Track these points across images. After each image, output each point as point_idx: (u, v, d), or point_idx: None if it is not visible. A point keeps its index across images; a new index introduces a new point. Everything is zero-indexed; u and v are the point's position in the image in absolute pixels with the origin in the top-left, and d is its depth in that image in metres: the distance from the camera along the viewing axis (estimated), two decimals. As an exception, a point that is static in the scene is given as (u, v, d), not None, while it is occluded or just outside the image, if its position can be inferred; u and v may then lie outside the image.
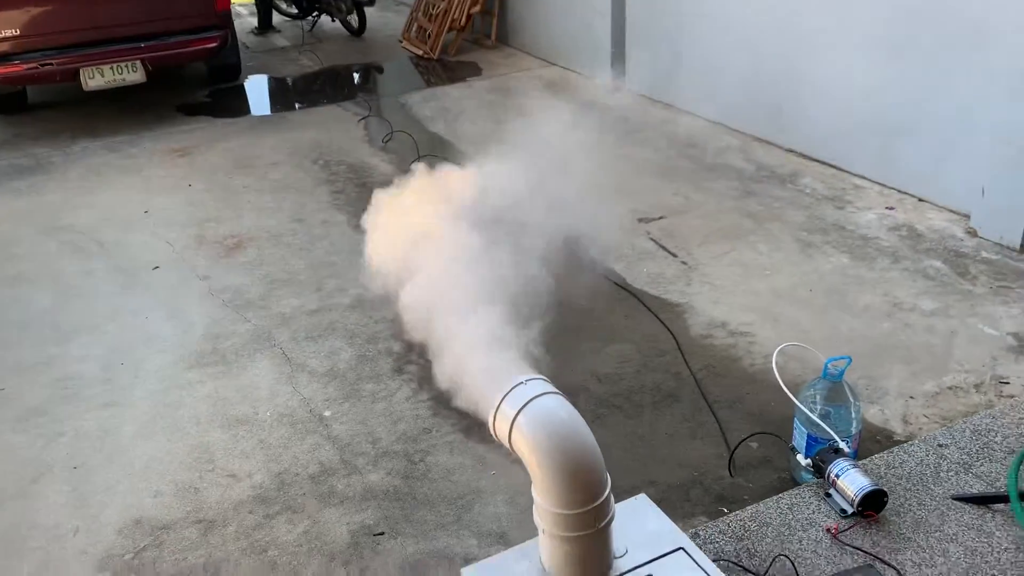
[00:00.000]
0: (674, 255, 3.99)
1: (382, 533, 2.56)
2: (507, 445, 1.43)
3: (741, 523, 2.12)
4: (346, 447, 2.93)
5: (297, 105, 6.95)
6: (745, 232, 4.14)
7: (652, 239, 4.15)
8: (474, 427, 2.96)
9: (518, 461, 2.81)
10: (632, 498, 1.58)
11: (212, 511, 2.68)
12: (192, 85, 7.30)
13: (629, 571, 1.41)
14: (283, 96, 7.30)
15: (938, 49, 3.97)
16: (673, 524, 1.51)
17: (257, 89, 7.33)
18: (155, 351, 3.53)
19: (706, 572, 1.41)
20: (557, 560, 1.40)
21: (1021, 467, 2.14)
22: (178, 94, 7.07)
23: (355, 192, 4.89)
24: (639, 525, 1.51)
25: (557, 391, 1.42)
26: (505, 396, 1.41)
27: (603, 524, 1.38)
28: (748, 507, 2.21)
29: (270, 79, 7.59)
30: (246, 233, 4.52)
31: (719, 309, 3.54)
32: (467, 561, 2.42)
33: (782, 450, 2.68)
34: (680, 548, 1.46)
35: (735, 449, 2.68)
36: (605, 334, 3.44)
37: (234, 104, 6.92)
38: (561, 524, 1.36)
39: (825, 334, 3.29)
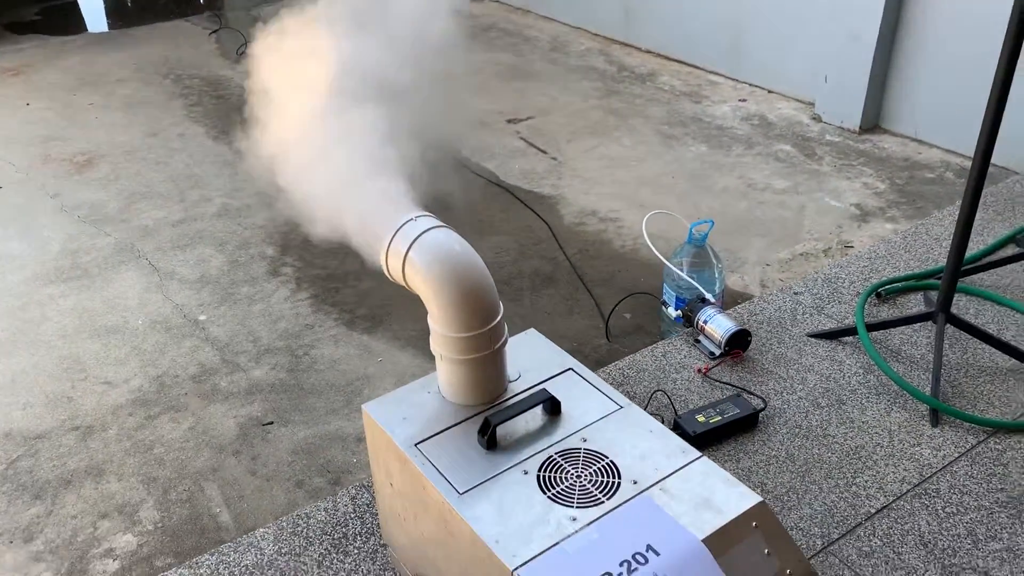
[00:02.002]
0: (544, 152, 4.07)
1: (271, 423, 2.55)
2: (401, 281, 1.46)
3: (620, 371, 2.25)
4: (226, 347, 2.88)
5: (140, 21, 6.50)
6: (610, 128, 4.26)
7: (522, 138, 4.20)
8: (357, 320, 2.98)
9: (404, 346, 2.86)
10: (522, 332, 1.65)
11: (89, 417, 2.59)
12: (17, 2, 6.72)
13: (523, 391, 1.49)
14: (123, 12, 6.82)
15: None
16: (561, 350, 1.59)
17: (92, 5, 6.81)
18: (9, 270, 3.32)
19: (594, 386, 1.50)
20: (457, 384, 1.46)
21: (866, 304, 2.36)
22: (2, 12, 6.49)
23: (212, 104, 4.69)
24: (530, 353, 1.59)
25: (446, 225, 1.46)
26: (395, 233, 1.43)
27: (498, 346, 1.44)
28: (626, 357, 2.34)
29: (107, -5, 7.07)
30: (96, 150, 4.27)
31: (589, 199, 3.66)
32: (359, 440, 2.46)
33: (653, 318, 2.84)
34: (570, 369, 1.55)
35: (611, 313, 2.81)
36: (482, 227, 3.49)
37: (68, 21, 6.42)
38: (458, 348, 1.41)
39: (688, 214, 3.46)
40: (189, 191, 3.86)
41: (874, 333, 2.28)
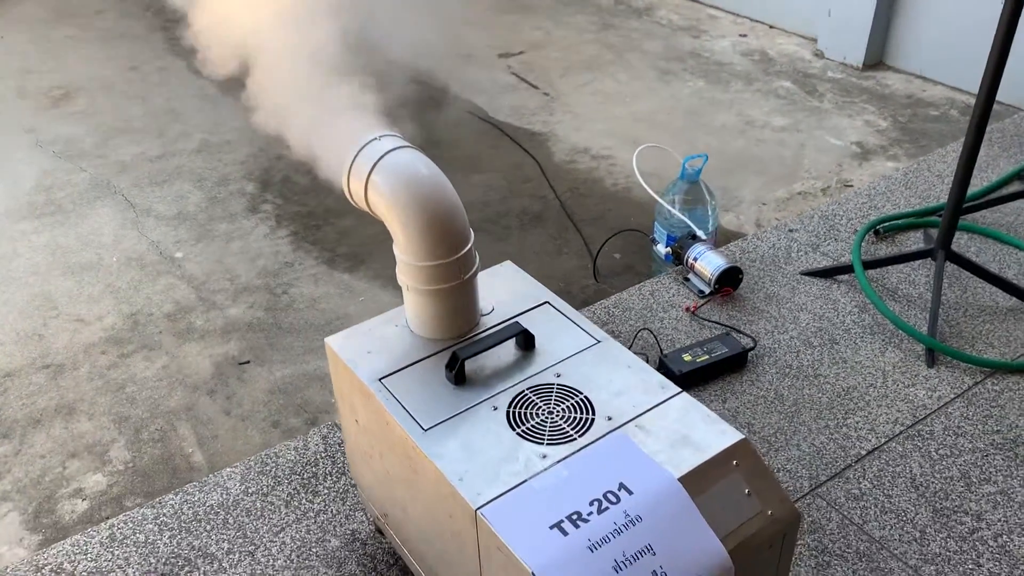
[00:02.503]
0: (535, 87, 3.93)
1: (247, 362, 2.48)
2: (364, 206, 1.36)
3: (605, 309, 2.16)
4: (202, 285, 2.79)
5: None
6: (605, 63, 4.11)
7: (513, 73, 4.06)
8: (338, 258, 2.88)
9: (386, 284, 2.77)
10: (498, 265, 1.56)
11: (60, 355, 2.52)
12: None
13: (496, 325, 1.40)
14: (105, -55, 6.58)
15: None
16: (538, 283, 1.50)
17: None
18: (-21, 205, 3.22)
19: (572, 320, 1.41)
20: (424, 317, 1.37)
21: (864, 241, 2.27)
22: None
23: (194, 37, 4.52)
24: (505, 286, 1.50)
25: (413, 146, 1.36)
26: (358, 153, 1.33)
27: (468, 275, 1.35)
28: (612, 296, 2.25)
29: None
30: (74, 83, 4.13)
31: (581, 136, 3.53)
32: (338, 380, 2.39)
33: (644, 258, 2.75)
34: (546, 302, 1.46)
35: (599, 251, 2.72)
36: (471, 164, 3.37)
37: (47, -47, 6.19)
38: (426, 278, 1.32)
39: (683, 151, 3.34)
40: (168, 126, 3.74)
41: (871, 271, 2.19)
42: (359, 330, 1.43)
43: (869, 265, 2.17)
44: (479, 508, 1.10)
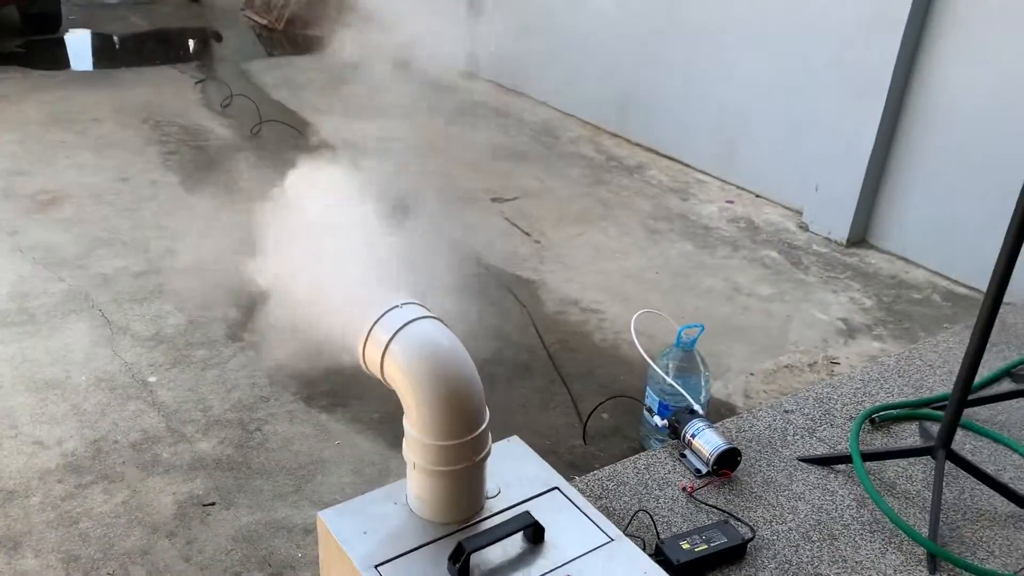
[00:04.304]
0: (527, 234, 3.96)
1: (213, 503, 2.34)
2: (379, 375, 1.30)
3: (599, 482, 2.09)
4: (173, 414, 2.67)
5: (126, 64, 6.40)
6: (596, 217, 4.17)
7: (506, 218, 4.10)
8: (316, 395, 2.79)
9: (364, 430, 2.67)
10: (505, 440, 1.49)
11: (13, 480, 2.36)
12: (2, 34, 6.59)
13: (503, 510, 1.32)
14: (109, 53, 6.72)
15: (778, 44, 4.17)
16: (547, 465, 1.43)
17: (79, 44, 6.71)
18: (-53, 308, 3.10)
19: (582, 511, 1.34)
20: (427, 497, 1.29)
21: (860, 430, 2.23)
22: (-15, 42, 6.37)
23: (190, 154, 4.54)
24: (512, 466, 1.42)
25: (436, 316, 1.31)
26: (378, 320, 1.28)
27: (480, 458, 1.28)
28: (606, 467, 2.17)
29: (94, 34, 6.97)
30: (62, 190, 4.09)
31: (572, 287, 3.54)
32: (307, 532, 2.25)
33: (632, 421, 2.69)
34: (555, 488, 1.38)
35: (590, 415, 2.66)
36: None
37: (52, 57, 6.29)
38: (436, 457, 1.25)
39: (672, 312, 3.34)
40: (155, 241, 3.69)
41: (868, 463, 2.15)
42: (354, 505, 1.34)
43: (868, 457, 2.14)
44: None
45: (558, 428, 2.71)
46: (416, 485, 1.30)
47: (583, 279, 3.60)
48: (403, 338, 1.25)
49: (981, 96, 3.43)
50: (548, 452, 2.59)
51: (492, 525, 1.26)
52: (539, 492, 1.37)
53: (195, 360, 2.94)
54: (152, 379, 2.83)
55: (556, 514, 1.32)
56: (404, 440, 1.29)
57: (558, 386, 2.92)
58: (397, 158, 4.64)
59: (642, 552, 1.26)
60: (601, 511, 1.63)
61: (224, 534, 2.24)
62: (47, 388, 2.74)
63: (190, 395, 2.76)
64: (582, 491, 2.00)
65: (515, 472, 1.41)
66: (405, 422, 1.28)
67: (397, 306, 1.30)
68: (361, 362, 1.32)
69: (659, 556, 1.82)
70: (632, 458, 2.20)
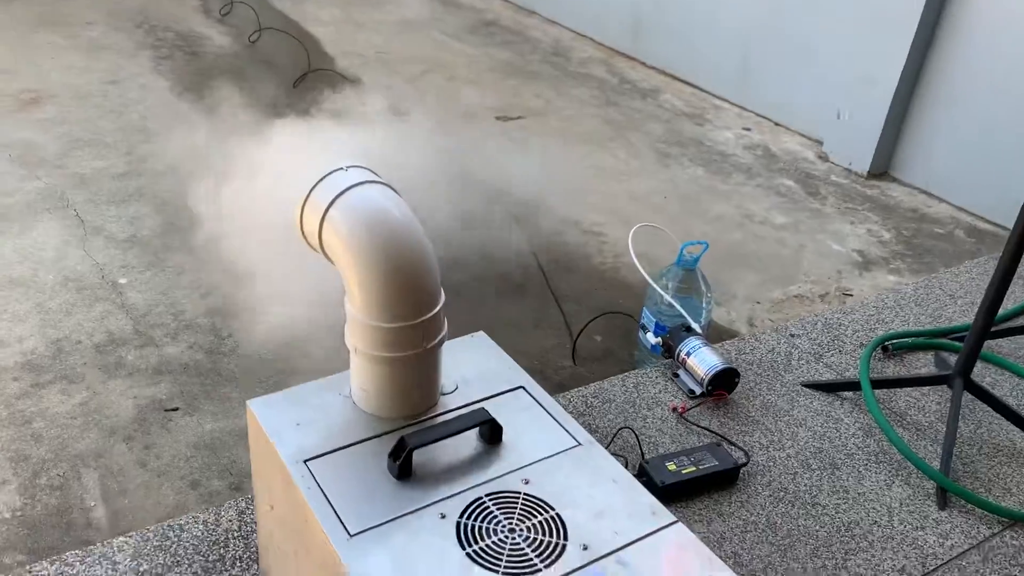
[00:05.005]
0: (529, 152, 3.76)
1: (176, 408, 2.21)
2: (316, 246, 1.13)
3: (583, 398, 1.93)
4: (142, 317, 2.53)
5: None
6: (604, 138, 3.96)
7: (510, 138, 3.89)
8: (296, 305, 2.63)
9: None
10: (469, 335, 1.33)
11: (-35, 377, 2.23)
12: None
13: (458, 407, 1.16)
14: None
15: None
16: (514, 363, 1.27)
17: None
18: (-86, 201, 2.95)
19: (549, 412, 1.18)
20: (372, 389, 1.13)
21: (871, 358, 2.06)
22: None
23: (183, 60, 4.34)
24: (475, 361, 1.26)
25: (386, 182, 1.13)
26: (318, 183, 1.11)
27: (432, 344, 1.11)
28: (592, 384, 2.02)
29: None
30: (47, 90, 3.90)
31: (573, 208, 3.35)
32: (275, 442, 2.11)
33: (626, 343, 2.53)
34: (520, 387, 1.22)
35: (580, 332, 2.50)
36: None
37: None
38: (380, 342, 1.08)
39: (679, 236, 3.15)
40: (139, 145, 3.51)
41: (878, 391, 1.97)
42: (292, 395, 1.19)
43: (878, 384, 1.96)
44: (406, 651, 0.85)
45: (548, 349, 2.55)
46: (359, 375, 1.14)
47: (586, 199, 3.41)
48: (345, 203, 1.08)
49: (1021, 23, 3.17)
50: (535, 372, 2.39)
51: (444, 421, 1.10)
52: (502, 390, 1.21)
53: (170, 264, 2.79)
54: (123, 280, 2.68)
55: (519, 414, 1.16)
56: (346, 323, 1.13)
57: (551, 307, 2.76)
58: (399, 72, 4.42)
59: (612, 458, 1.09)
60: (584, 428, 1.47)
61: (185, 441, 2.11)
62: (11, 285, 2.60)
63: (162, 298, 2.62)
64: (565, 407, 1.85)
65: (476, 368, 1.24)
66: (346, 302, 1.11)
67: (342, 168, 1.12)
68: (299, 233, 1.15)
69: (642, 476, 1.67)
70: (621, 376, 2.04)
